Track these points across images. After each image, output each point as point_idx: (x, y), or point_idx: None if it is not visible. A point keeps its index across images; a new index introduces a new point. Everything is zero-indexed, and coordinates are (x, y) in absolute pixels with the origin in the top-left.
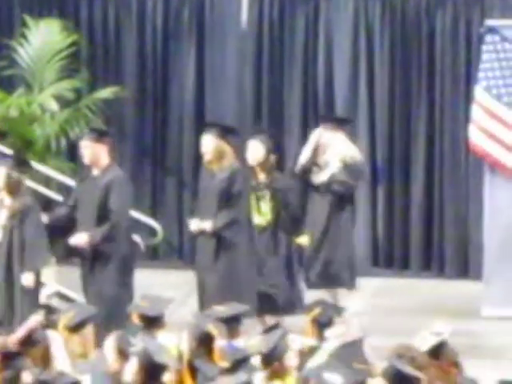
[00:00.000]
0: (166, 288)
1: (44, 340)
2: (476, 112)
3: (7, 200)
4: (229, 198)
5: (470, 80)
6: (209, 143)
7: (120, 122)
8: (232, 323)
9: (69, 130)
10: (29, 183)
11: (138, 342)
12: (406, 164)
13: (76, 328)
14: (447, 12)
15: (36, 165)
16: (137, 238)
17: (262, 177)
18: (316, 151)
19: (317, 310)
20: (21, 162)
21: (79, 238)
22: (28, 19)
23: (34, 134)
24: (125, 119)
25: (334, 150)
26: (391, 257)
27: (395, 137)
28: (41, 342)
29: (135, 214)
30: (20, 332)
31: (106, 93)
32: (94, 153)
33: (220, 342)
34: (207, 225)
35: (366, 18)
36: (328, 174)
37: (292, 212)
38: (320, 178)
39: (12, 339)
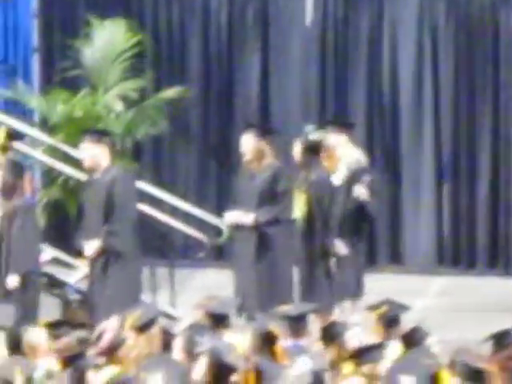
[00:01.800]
0: (231, 288)
1: (124, 341)
2: None
3: (1, 203)
4: (272, 196)
5: None
6: (248, 143)
7: (185, 122)
8: (297, 322)
9: (134, 130)
10: None
11: (205, 342)
12: (472, 161)
13: (143, 328)
14: (511, 7)
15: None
16: (202, 237)
17: (302, 173)
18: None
19: (383, 308)
20: (16, 166)
21: (91, 248)
22: (92, 19)
23: None
24: (189, 119)
25: (338, 154)
26: (457, 255)
27: (460, 134)
28: (122, 344)
29: (200, 213)
30: (104, 340)
31: (170, 93)
32: (94, 155)
33: (285, 342)
34: (249, 218)
35: (430, 14)
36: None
37: (323, 208)
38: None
39: (98, 348)
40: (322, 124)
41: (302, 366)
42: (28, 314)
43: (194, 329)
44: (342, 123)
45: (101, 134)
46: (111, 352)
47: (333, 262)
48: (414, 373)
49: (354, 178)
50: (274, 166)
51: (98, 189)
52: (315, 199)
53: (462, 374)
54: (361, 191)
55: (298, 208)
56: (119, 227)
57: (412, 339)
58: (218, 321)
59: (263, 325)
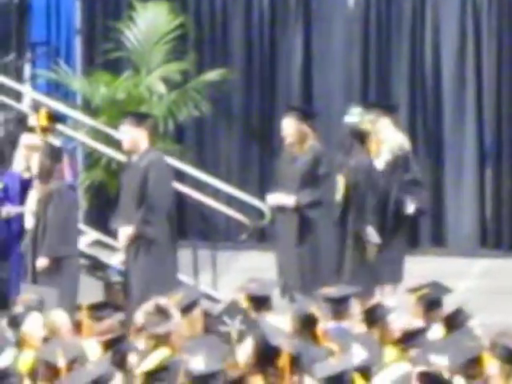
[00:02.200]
0: (273, 270)
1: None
2: None
3: (38, 186)
4: (314, 179)
5: None
6: (289, 126)
7: (227, 104)
8: (340, 304)
9: (176, 112)
10: None
11: (235, 324)
12: None
13: (184, 310)
14: None
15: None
16: (245, 219)
17: (341, 157)
18: None
19: (424, 290)
20: (54, 150)
21: (125, 235)
22: (135, 2)
23: None
24: (232, 101)
25: (381, 138)
26: (499, 237)
27: (503, 118)
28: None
29: (243, 195)
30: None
31: (213, 75)
32: (133, 138)
33: (328, 324)
34: (290, 200)
35: None
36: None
37: (359, 194)
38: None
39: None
40: (366, 107)
41: (355, 356)
42: (65, 298)
43: (227, 311)
44: (386, 106)
45: (141, 117)
46: (167, 336)
47: (369, 248)
48: (449, 353)
49: (396, 163)
50: (316, 149)
51: (134, 172)
52: (352, 185)
53: (503, 357)
54: (410, 209)
55: (338, 192)
56: (152, 215)
57: (454, 321)
58: (259, 303)
59: (303, 307)
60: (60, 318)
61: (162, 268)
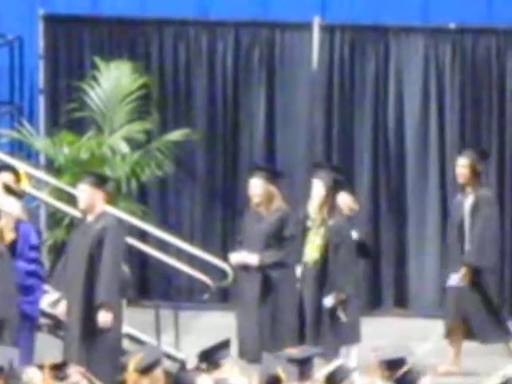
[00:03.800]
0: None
1: None
2: None
3: None
4: (279, 240)
5: None
6: (257, 186)
7: (190, 164)
8: (304, 365)
9: (139, 172)
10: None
11: None
12: None
13: (145, 370)
14: None
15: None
16: (207, 279)
17: (322, 214)
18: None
19: (385, 351)
20: None
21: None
22: (98, 61)
23: None
24: (195, 161)
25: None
26: None
27: None
28: None
29: (206, 256)
30: None
31: (176, 135)
32: (91, 198)
33: None
34: (253, 259)
35: (436, 58)
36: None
37: (337, 256)
38: None
39: None
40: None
41: None
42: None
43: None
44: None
45: (101, 179)
46: None
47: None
48: None
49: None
50: (282, 210)
51: (87, 232)
52: (333, 245)
53: None
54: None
55: (313, 248)
56: (112, 282)
57: (405, 381)
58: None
59: (270, 367)
60: (36, 375)
61: (113, 331)
